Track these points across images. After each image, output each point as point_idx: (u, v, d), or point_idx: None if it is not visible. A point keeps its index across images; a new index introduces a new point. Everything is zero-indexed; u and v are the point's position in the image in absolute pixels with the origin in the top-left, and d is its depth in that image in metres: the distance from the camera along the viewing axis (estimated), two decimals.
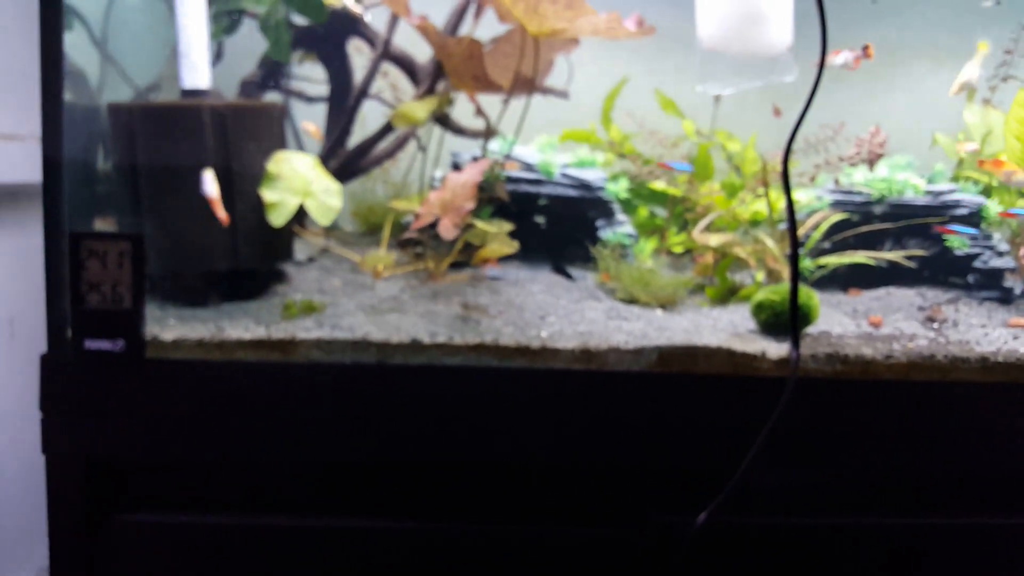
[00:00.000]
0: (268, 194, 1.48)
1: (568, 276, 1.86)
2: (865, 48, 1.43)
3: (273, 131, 1.53)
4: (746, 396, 1.41)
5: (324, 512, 1.38)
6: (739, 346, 1.44)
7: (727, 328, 1.55)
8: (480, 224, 1.58)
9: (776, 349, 1.43)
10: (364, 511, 1.38)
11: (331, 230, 1.99)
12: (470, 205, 1.51)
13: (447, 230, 1.51)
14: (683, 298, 1.75)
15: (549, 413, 1.41)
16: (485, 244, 1.64)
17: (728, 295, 1.75)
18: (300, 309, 1.46)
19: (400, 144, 1.87)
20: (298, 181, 1.50)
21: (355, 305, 1.54)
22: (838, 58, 1.46)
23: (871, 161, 1.77)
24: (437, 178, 2.00)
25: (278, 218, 1.48)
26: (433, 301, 1.59)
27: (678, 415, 1.41)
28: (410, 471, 1.42)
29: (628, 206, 2.11)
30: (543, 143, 1.97)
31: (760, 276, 1.72)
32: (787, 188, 1.35)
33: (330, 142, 1.78)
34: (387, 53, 1.79)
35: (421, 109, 1.71)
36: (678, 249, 2.04)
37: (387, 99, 2.00)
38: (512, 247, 1.64)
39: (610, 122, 2.13)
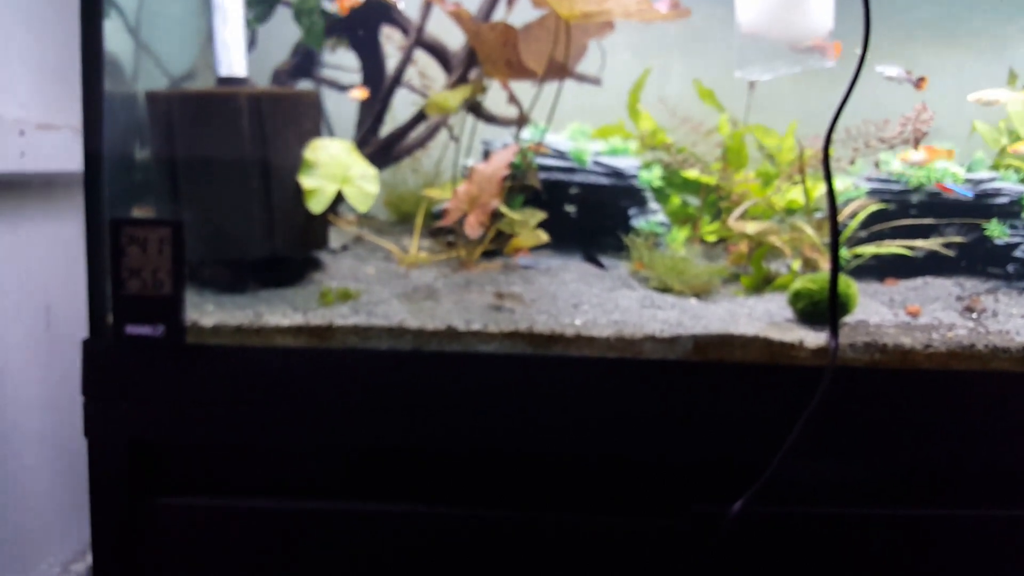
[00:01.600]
0: (306, 181, 1.50)
1: (600, 265, 1.86)
2: (919, 80, 1.42)
3: (309, 118, 1.55)
4: (784, 385, 1.40)
5: (359, 497, 1.40)
6: (776, 335, 1.44)
7: (763, 317, 1.54)
8: (509, 214, 1.58)
9: (814, 338, 1.43)
10: (398, 497, 1.40)
11: (364, 218, 2.01)
12: (496, 202, 1.52)
13: (473, 228, 1.51)
14: (717, 287, 1.74)
15: (584, 402, 1.41)
16: (516, 233, 1.65)
17: (763, 284, 1.74)
18: (336, 296, 1.48)
19: (432, 133, 1.88)
20: (336, 168, 1.52)
21: (390, 293, 1.55)
22: (890, 70, 1.45)
23: (916, 140, 1.75)
24: (469, 167, 2.01)
25: (317, 205, 1.50)
26: (466, 289, 1.61)
27: (715, 404, 1.41)
28: (445, 458, 1.43)
29: (660, 195, 2.11)
30: (575, 130, 1.97)
31: (797, 265, 1.71)
32: (828, 175, 1.34)
33: (363, 130, 1.80)
34: (420, 40, 1.80)
35: (454, 97, 1.71)
36: (711, 238, 2.04)
37: (418, 87, 2.01)
38: (542, 238, 1.64)
39: (637, 114, 2.12)
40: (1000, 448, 1.42)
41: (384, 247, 1.74)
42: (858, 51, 1.28)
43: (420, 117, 1.81)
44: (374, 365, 1.37)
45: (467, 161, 2.04)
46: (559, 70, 1.68)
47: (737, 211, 1.75)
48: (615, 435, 1.42)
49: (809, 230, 1.71)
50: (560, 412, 1.41)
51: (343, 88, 1.95)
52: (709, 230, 2.02)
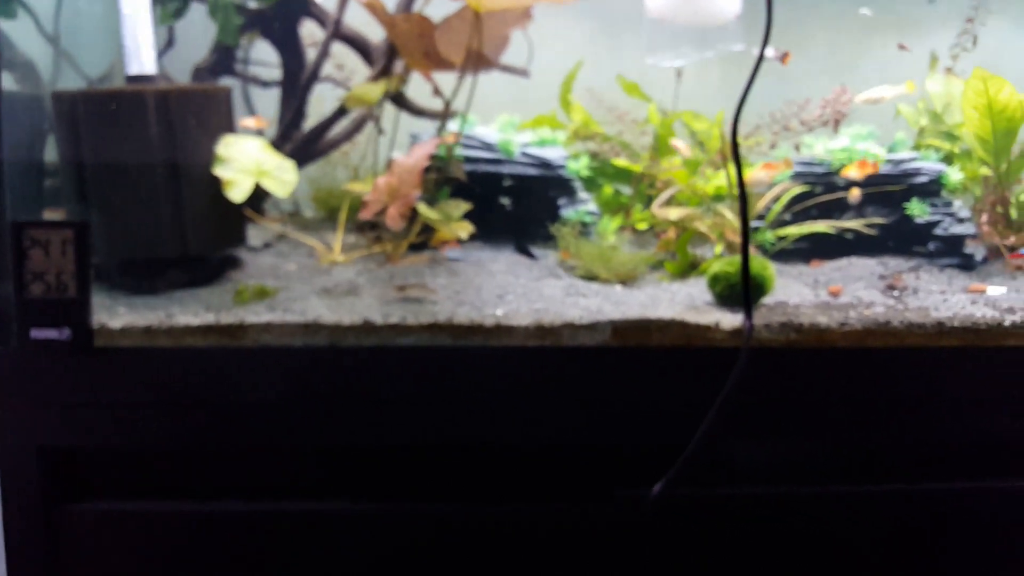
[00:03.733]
0: (222, 171, 1.49)
1: (530, 255, 1.87)
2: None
3: (220, 114, 1.54)
4: (701, 367, 1.42)
5: (273, 498, 1.39)
6: (693, 318, 1.45)
7: (684, 301, 1.56)
8: (424, 211, 1.58)
9: (731, 320, 1.45)
10: (316, 495, 1.39)
11: (291, 215, 2.00)
12: (416, 192, 1.52)
13: (393, 220, 1.51)
14: (644, 274, 1.76)
15: (505, 391, 1.42)
16: (442, 226, 1.65)
17: (689, 269, 1.76)
18: (252, 294, 1.47)
19: (358, 126, 1.88)
20: (249, 162, 1.51)
21: (309, 289, 1.55)
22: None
23: (836, 122, 1.78)
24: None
25: (236, 194, 1.48)
26: (389, 284, 1.60)
27: (635, 388, 1.43)
28: (363, 455, 1.43)
29: (591, 185, 2.12)
30: (504, 122, 1.98)
31: (719, 249, 1.73)
32: (736, 153, 1.36)
33: (283, 126, 1.79)
34: (338, 33, 1.79)
35: (374, 90, 1.71)
36: (642, 226, 2.05)
37: (342, 81, 2.00)
38: (468, 229, 1.65)
39: (569, 105, 2.14)
40: (916, 422, 1.45)
41: (307, 244, 1.73)
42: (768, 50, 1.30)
43: (342, 111, 1.80)
44: (289, 363, 1.36)
45: (396, 154, 2.04)
46: (478, 61, 1.68)
47: (661, 197, 1.76)
48: (537, 424, 1.43)
49: (730, 215, 1.73)
50: (481, 403, 1.41)
51: (266, 84, 1.93)
52: (640, 218, 2.04)
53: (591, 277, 1.73)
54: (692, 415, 1.36)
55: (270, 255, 1.72)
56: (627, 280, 1.72)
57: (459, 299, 1.53)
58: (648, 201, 2.13)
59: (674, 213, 1.72)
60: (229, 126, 1.57)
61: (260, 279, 1.58)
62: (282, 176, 1.51)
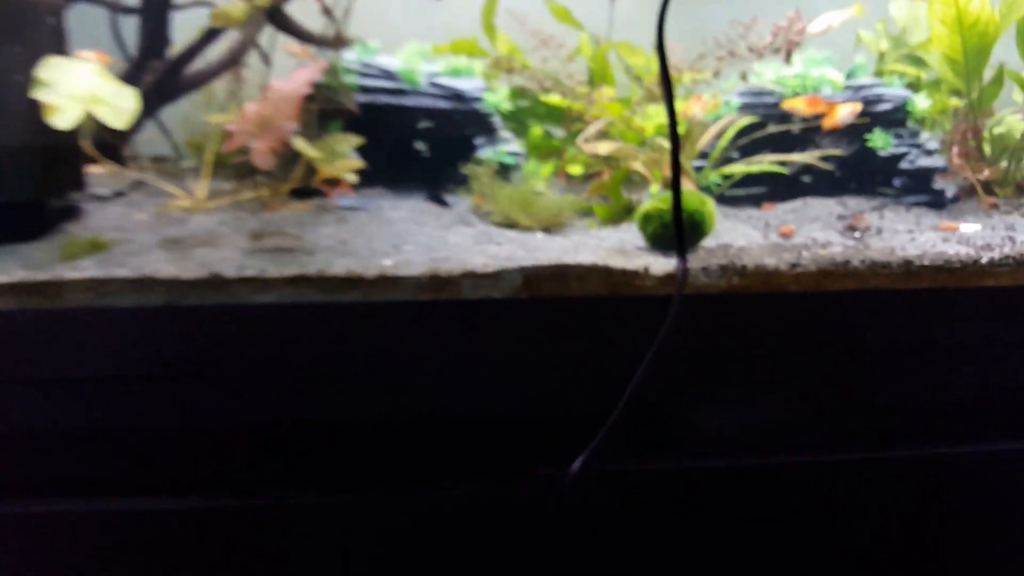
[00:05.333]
0: (45, 95, 1.23)
1: (442, 202, 1.64)
2: None
3: (42, 32, 1.27)
4: (628, 321, 1.21)
5: (102, 493, 1.15)
6: (619, 262, 1.23)
7: (613, 246, 1.34)
8: (301, 146, 1.33)
9: (663, 264, 1.23)
10: (148, 489, 1.15)
11: (158, 161, 1.73)
12: (292, 124, 1.27)
13: (262, 157, 1.27)
14: (571, 219, 1.54)
15: (393, 355, 1.19)
16: (324, 164, 1.41)
17: (623, 214, 1.54)
18: (82, 248, 1.22)
19: (237, 55, 1.61)
20: (78, 87, 1.25)
21: (156, 241, 1.29)
22: None
23: (788, 52, 1.57)
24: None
25: (61, 120, 1.22)
26: (260, 235, 1.36)
27: (551, 348, 1.21)
28: (211, 437, 1.19)
29: (516, 124, 1.89)
30: (413, 51, 1.73)
31: (656, 189, 1.51)
32: (664, 67, 1.13)
33: (139, 53, 1.52)
34: None
35: (240, 6, 1.46)
36: (576, 171, 1.83)
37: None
38: (355, 166, 1.41)
39: (493, 31, 1.90)
40: (883, 377, 1.25)
41: (168, 192, 1.48)
42: None
43: (212, 33, 1.54)
44: (114, 326, 1.11)
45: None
46: None
47: (588, 130, 1.54)
48: (432, 393, 1.20)
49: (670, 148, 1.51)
50: (362, 370, 1.18)
51: (127, 10, 1.66)
52: (572, 161, 1.81)
53: (509, 224, 1.50)
54: (618, 377, 1.15)
55: (121, 204, 1.46)
56: (551, 227, 1.50)
57: (343, 250, 1.29)
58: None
59: (604, 147, 1.50)
60: (58, 46, 1.30)
61: (102, 232, 1.32)
62: (119, 104, 1.26)
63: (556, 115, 1.92)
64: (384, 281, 1.21)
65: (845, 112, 1.49)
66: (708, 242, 1.33)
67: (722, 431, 1.25)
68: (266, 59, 1.69)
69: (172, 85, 1.54)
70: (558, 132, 1.93)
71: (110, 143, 1.42)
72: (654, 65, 1.88)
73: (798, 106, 1.58)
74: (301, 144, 1.32)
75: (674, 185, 1.15)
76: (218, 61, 1.62)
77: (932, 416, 1.26)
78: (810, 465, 1.25)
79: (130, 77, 1.52)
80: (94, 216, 1.38)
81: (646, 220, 1.31)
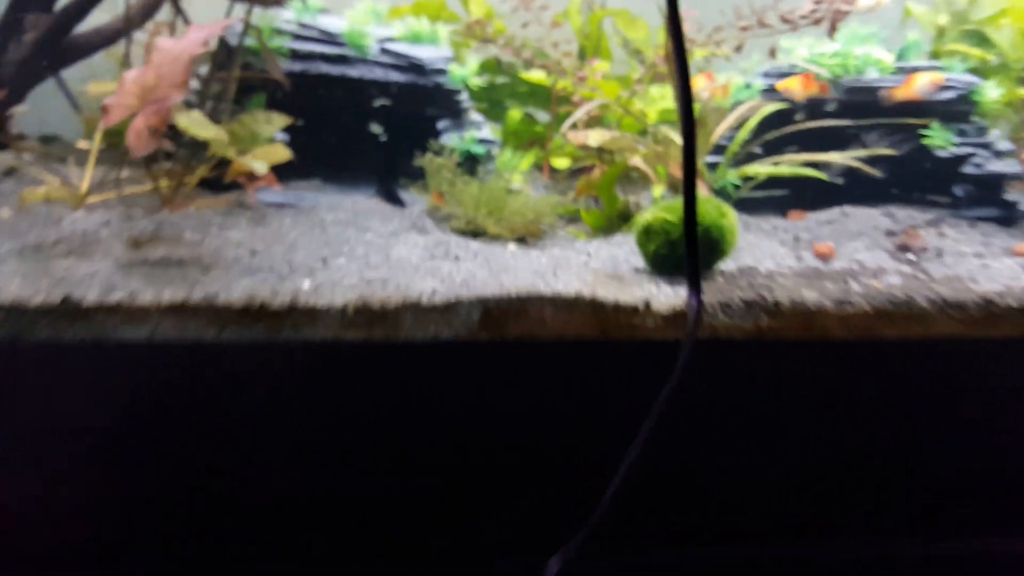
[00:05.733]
0: None
1: (396, 200, 1.34)
2: None
3: None
4: (623, 373, 0.92)
5: None
6: (610, 293, 0.94)
7: (603, 267, 1.05)
8: (187, 124, 1.01)
9: (669, 297, 0.94)
10: None
11: (48, 143, 1.42)
12: (178, 94, 0.96)
13: (138, 139, 0.96)
14: (552, 225, 1.25)
15: (306, 410, 0.90)
16: (233, 150, 1.10)
17: (618, 222, 1.25)
18: None
19: (146, 13, 1.30)
20: None
21: (13, 247, 0.99)
22: None
23: (833, 24, 1.27)
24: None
25: None
26: (146, 240, 1.06)
27: (518, 410, 0.92)
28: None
29: (491, 106, 1.59)
30: (366, 12, 1.42)
31: (660, 191, 1.22)
32: (678, 43, 0.83)
33: (9, 9, 1.21)
34: None
35: None
36: (562, 164, 1.53)
37: None
38: (277, 158, 1.11)
39: None
40: (956, 460, 0.97)
41: (45, 181, 1.17)
42: None
43: None
44: None
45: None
46: None
47: (575, 115, 1.23)
48: (360, 463, 0.91)
49: (678, 138, 1.22)
50: (258, 429, 0.89)
51: None
52: (561, 155, 1.51)
53: (474, 232, 1.20)
54: (608, 450, 0.86)
55: None
56: (527, 236, 1.21)
57: (250, 265, 1.00)
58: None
59: (596, 136, 1.20)
60: None
61: None
62: None
63: (539, 95, 1.61)
64: (298, 313, 0.91)
65: (924, 83, 1.19)
66: (727, 264, 1.04)
67: (741, 516, 0.97)
68: (184, 16, 1.37)
69: (60, 50, 1.23)
70: (541, 116, 1.63)
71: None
72: (659, 38, 1.58)
73: (793, 87, 1.29)
74: (188, 121, 1.01)
75: (687, 195, 0.85)
76: (122, 18, 1.31)
77: (1015, 502, 0.98)
78: (851, 563, 0.97)
79: (1, 35, 1.21)
80: None
81: (647, 235, 1.01)
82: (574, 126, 1.21)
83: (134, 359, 0.87)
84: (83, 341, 0.86)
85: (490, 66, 1.57)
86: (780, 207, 1.36)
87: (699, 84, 1.36)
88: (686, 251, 0.85)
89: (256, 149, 1.12)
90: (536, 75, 1.55)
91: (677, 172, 1.22)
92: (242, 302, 0.89)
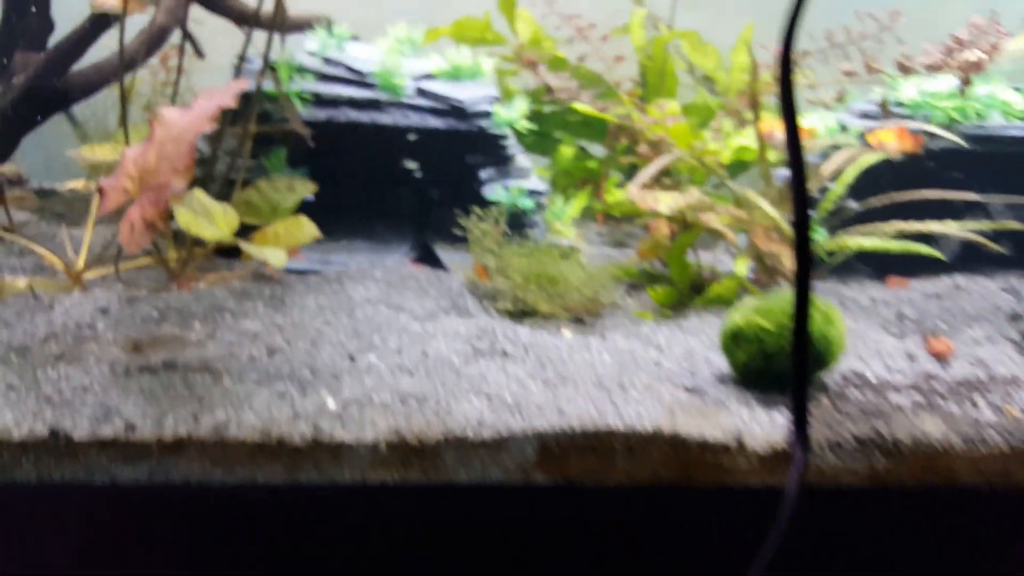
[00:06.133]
0: None
1: (434, 261, 1.19)
2: None
3: None
4: (707, 529, 0.77)
5: None
6: (693, 423, 0.79)
7: (677, 374, 0.89)
8: (187, 219, 0.84)
9: (766, 426, 0.79)
10: None
11: (46, 197, 1.28)
12: (179, 182, 0.81)
13: (133, 235, 0.80)
14: (613, 302, 1.09)
15: (325, 567, 0.77)
16: (261, 224, 0.97)
17: (689, 294, 1.09)
18: None
19: (152, 44, 1.16)
20: None
21: None
22: None
23: (977, 66, 1.07)
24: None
25: None
26: (146, 342, 0.91)
27: (576, 568, 0.78)
28: None
29: (537, 143, 1.42)
30: (397, 41, 1.26)
31: (743, 265, 1.05)
32: (787, 88, 0.66)
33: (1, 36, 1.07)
34: None
35: None
36: (619, 210, 1.37)
37: None
38: (308, 235, 0.96)
39: (514, 7, 1.41)
40: None
41: (37, 253, 1.02)
42: None
43: (104, 22, 1.08)
44: None
45: (167, 111, 1.30)
46: None
47: (644, 172, 1.06)
48: None
49: (765, 204, 1.05)
50: None
51: None
52: (615, 200, 1.34)
53: (523, 311, 1.05)
54: None
55: None
56: (584, 314, 1.06)
57: (268, 370, 0.86)
58: (631, 170, 1.43)
59: (666, 201, 1.03)
60: None
61: None
62: None
63: (593, 127, 1.44)
64: (319, 450, 0.77)
65: None
66: (831, 376, 0.88)
67: None
68: (197, 48, 1.23)
69: (58, 88, 1.09)
70: (596, 151, 1.46)
71: None
72: (738, 57, 1.39)
73: (887, 141, 1.10)
74: (189, 217, 0.85)
75: (799, 309, 0.69)
76: (130, 48, 1.16)
77: None
78: None
79: None
80: None
81: (736, 341, 0.85)
82: (643, 186, 1.04)
83: (130, 501, 0.75)
84: (70, 482, 0.73)
85: (539, 94, 1.40)
86: (874, 268, 1.19)
87: (775, 123, 1.17)
88: (793, 401, 0.69)
89: (276, 225, 0.97)
90: (585, 106, 1.38)
91: (760, 240, 1.05)
92: (256, 437, 0.76)
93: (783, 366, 0.84)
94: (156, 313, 0.97)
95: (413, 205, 1.25)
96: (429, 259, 1.19)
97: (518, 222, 1.19)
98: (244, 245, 0.90)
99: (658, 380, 0.88)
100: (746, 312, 0.85)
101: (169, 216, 0.84)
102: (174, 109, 0.89)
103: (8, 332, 0.91)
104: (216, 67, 1.24)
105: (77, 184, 1.29)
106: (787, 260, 1.03)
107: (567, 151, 1.38)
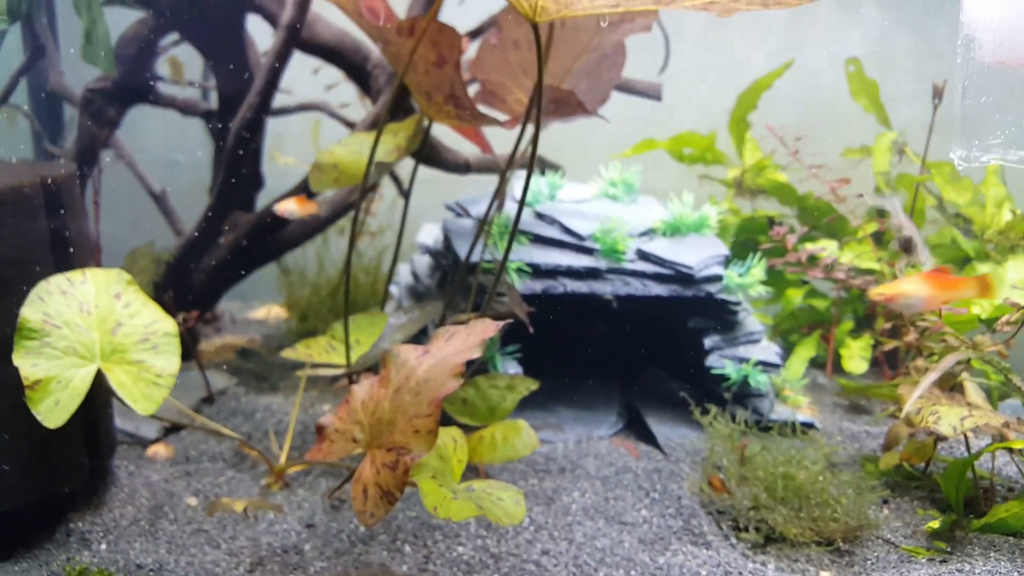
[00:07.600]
0: (28, 367, 0.77)
1: (646, 433, 1.08)
2: None
3: (32, 227, 0.81)
4: None
5: None
6: None
7: None
8: (429, 490, 0.73)
9: None
10: None
11: (246, 356, 1.23)
12: (421, 448, 0.71)
13: (367, 504, 0.69)
14: (876, 525, 0.93)
15: None
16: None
17: (966, 520, 0.92)
18: None
19: (360, 195, 1.11)
20: (85, 331, 0.79)
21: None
22: None
23: None
24: (421, 245, 1.23)
25: (53, 417, 0.76)
26: (366, 555, 0.84)
27: None
28: None
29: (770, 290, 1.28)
30: (612, 183, 1.15)
31: None
32: None
33: (214, 194, 1.05)
34: (300, 38, 1.02)
35: (358, 151, 0.94)
36: (856, 367, 1.20)
37: (341, 113, 1.24)
38: (529, 445, 0.87)
39: (743, 131, 1.27)
40: None
41: (228, 437, 0.96)
42: None
43: (307, 189, 1.04)
44: None
45: (421, 236, 1.25)
46: (563, 103, 0.87)
47: (924, 383, 0.89)
48: None
49: None
50: None
51: (206, 114, 1.18)
52: (852, 351, 1.18)
53: (769, 537, 0.92)
54: None
55: (166, 467, 0.99)
56: (842, 540, 0.91)
57: None
58: (867, 318, 1.26)
59: (950, 421, 0.86)
60: (60, 246, 0.83)
61: (119, 538, 0.85)
62: (153, 364, 0.77)
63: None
64: None
65: None
66: None
67: None
68: (402, 191, 1.18)
69: (262, 246, 1.06)
70: (825, 292, 1.29)
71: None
72: (989, 195, 1.20)
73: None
74: (430, 486, 0.74)
75: None
76: (334, 201, 1.13)
77: None
78: None
79: (183, 257, 1.06)
80: (118, 498, 0.91)
81: None
82: (918, 415, 0.88)
83: None
84: None
85: (758, 225, 1.26)
86: None
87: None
88: None
89: (493, 429, 0.88)
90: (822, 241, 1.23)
91: None
92: None
93: None
94: (363, 528, 0.91)
95: (620, 365, 1.14)
96: (638, 428, 1.07)
97: (744, 391, 1.06)
98: (475, 502, 0.77)
99: None
100: None
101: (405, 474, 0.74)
102: (410, 348, 0.79)
103: (202, 556, 0.84)
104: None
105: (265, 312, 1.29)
106: None
107: (794, 293, 1.23)
